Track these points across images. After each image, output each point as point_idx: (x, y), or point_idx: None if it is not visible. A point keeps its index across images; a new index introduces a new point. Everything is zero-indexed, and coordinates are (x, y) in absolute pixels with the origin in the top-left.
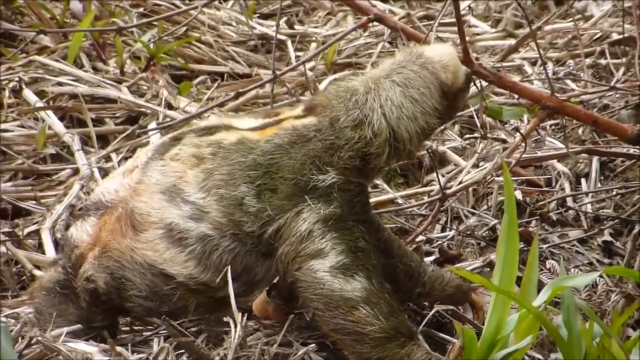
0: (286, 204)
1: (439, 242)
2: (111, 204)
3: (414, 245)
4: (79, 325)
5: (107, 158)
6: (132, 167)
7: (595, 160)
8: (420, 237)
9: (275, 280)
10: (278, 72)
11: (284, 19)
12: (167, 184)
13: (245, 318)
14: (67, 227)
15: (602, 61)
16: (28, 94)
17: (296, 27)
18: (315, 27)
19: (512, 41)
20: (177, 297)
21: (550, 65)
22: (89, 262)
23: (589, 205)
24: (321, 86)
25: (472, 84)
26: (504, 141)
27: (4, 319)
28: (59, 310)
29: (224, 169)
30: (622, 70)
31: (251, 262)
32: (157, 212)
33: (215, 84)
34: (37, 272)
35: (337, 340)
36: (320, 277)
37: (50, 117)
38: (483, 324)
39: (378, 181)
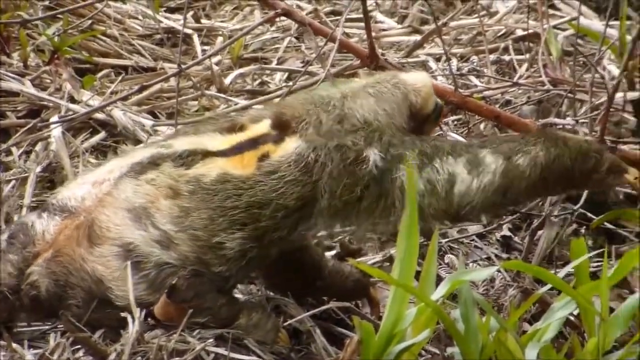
0: None
1: (340, 236)
2: (75, 210)
3: (315, 240)
4: None
5: (8, 152)
6: (103, 179)
7: None
8: (322, 232)
9: (174, 281)
10: (183, 66)
11: (191, 12)
12: (136, 204)
13: (143, 313)
14: None
15: (506, 57)
16: None
17: (203, 21)
18: (222, 22)
19: (418, 37)
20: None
21: (454, 61)
22: (39, 263)
23: None
24: (227, 80)
25: (442, 116)
26: None
27: None
28: None
29: (203, 212)
30: (525, 66)
31: (202, 291)
32: (117, 229)
33: (120, 78)
34: None
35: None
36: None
37: None
38: (379, 320)
39: None
